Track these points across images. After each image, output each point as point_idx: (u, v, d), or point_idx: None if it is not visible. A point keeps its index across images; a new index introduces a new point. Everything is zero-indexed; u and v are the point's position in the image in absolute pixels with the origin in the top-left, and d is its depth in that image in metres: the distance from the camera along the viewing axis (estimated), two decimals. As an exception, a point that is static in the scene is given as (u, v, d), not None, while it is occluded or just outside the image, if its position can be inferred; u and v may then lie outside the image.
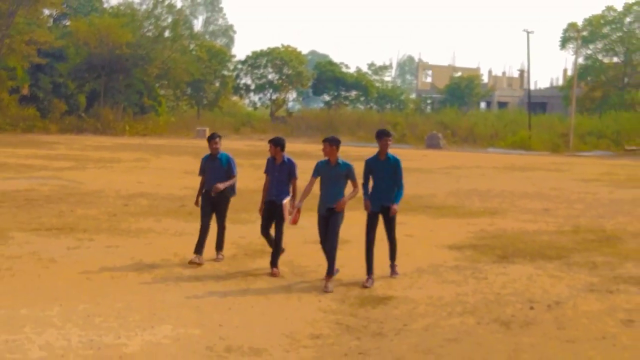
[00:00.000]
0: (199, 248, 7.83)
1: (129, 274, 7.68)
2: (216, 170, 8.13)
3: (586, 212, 14.07)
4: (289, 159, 7.66)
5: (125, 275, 7.62)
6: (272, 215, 7.65)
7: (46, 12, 44.49)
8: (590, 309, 6.81)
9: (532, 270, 8.33)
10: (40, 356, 4.97)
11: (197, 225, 10.08)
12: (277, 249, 7.65)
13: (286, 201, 7.50)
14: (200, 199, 8.29)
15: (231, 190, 8.30)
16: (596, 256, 9.37)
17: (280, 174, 7.57)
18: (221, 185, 7.94)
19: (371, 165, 7.49)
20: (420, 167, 24.62)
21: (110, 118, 41.88)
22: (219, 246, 8.21)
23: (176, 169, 20.86)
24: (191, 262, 7.68)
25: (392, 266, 7.56)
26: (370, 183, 7.64)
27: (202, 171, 8.32)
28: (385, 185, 7.36)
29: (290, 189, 7.71)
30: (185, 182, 16.53)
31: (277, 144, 7.63)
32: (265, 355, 5.21)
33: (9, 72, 40.66)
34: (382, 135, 7.38)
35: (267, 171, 7.73)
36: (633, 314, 6.53)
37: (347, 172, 7.14)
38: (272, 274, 7.44)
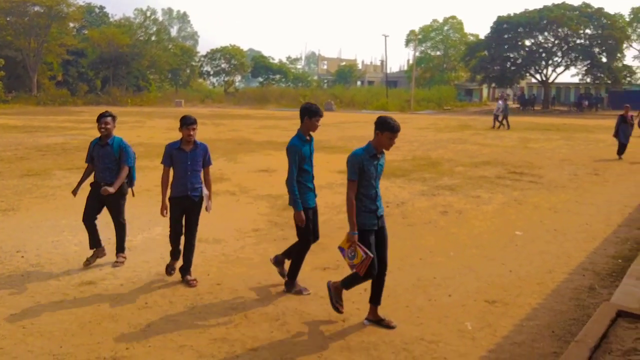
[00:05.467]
0: (93, 242, 6.45)
1: (138, 195, 9.58)
2: (106, 158, 6.27)
3: (420, 147, 19.22)
4: (201, 143, 5.90)
5: (129, 196, 10.02)
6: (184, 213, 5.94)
7: (71, 24, 63.97)
8: (422, 205, 9.67)
9: (387, 183, 11.59)
10: (75, 250, 6.91)
11: None
12: (189, 257, 5.91)
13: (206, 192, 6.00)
14: (78, 189, 6.50)
15: (128, 182, 6.54)
16: (425, 174, 13.19)
17: (193, 162, 5.79)
18: (111, 189, 6.15)
19: None
20: (321, 122, 30.12)
21: (117, 95, 57.01)
22: (120, 247, 6.54)
23: (162, 127, 25.97)
24: (87, 262, 6.35)
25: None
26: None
27: (90, 158, 6.44)
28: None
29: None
30: (169, 135, 20.74)
31: (193, 122, 5.71)
32: (223, 242, 7.29)
33: (48, 65, 60.01)
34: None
35: (169, 161, 5.86)
36: (447, 208, 9.48)
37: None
38: (190, 285, 5.72)
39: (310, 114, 5.46)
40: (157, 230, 7.99)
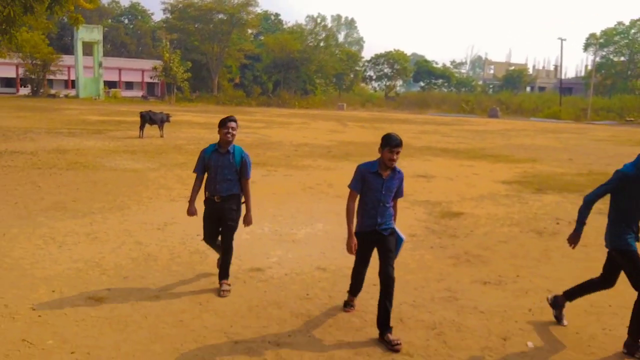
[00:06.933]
0: (223, 273, 5.53)
1: (298, 192, 10.93)
2: (225, 168, 5.41)
3: (597, 161, 17.40)
4: (400, 170, 4.76)
5: (296, 193, 10.85)
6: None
7: (250, 31, 70.58)
8: (598, 225, 8.62)
9: (559, 198, 10.86)
10: (246, 238, 7.34)
11: (341, 164, 15.06)
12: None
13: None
14: (192, 206, 5.57)
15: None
16: None
17: (387, 192, 4.68)
18: (250, 217, 5.60)
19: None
20: (484, 129, 31.33)
21: (286, 97, 61.59)
22: (225, 274, 5.55)
23: (326, 129, 27.72)
24: (223, 292, 5.40)
25: None
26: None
27: (203, 168, 5.52)
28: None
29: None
30: (331, 136, 23.01)
31: (399, 144, 4.57)
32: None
33: (227, 68, 66.99)
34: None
35: (359, 186, 4.70)
36: None
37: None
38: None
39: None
40: (319, 226, 8.37)
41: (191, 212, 5.60)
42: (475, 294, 5.74)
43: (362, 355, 4.35)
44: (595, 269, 6.63)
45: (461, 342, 4.64)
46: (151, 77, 63.91)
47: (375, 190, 4.60)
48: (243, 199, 5.61)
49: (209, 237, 5.66)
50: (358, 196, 4.70)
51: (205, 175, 5.55)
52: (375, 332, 4.67)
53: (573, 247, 4.87)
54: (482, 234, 8.19)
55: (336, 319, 4.98)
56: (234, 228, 5.53)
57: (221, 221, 5.46)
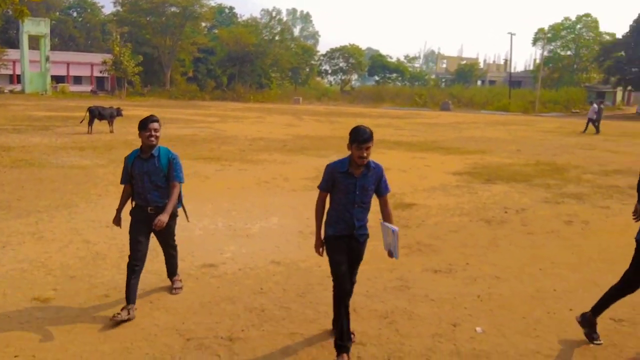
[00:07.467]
0: (131, 294, 4.76)
1: (253, 186, 10.83)
2: (153, 174, 4.84)
3: (544, 152, 18.01)
4: (377, 164, 4.24)
5: (250, 187, 10.75)
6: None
7: (203, 24, 68.10)
8: (544, 213, 9.15)
9: (507, 188, 11.16)
10: (199, 234, 7.28)
11: (296, 157, 14.80)
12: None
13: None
14: (119, 217, 5.13)
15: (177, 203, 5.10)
16: (549, 180, 12.45)
17: (362, 192, 4.15)
18: (165, 216, 4.79)
19: None
20: (436, 122, 31.87)
21: (241, 91, 59.87)
22: (173, 271, 5.40)
23: (281, 123, 27.43)
24: (114, 318, 4.59)
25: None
26: None
27: (127, 178, 4.94)
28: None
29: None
30: (287, 130, 22.91)
31: (367, 139, 4.00)
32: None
33: (180, 62, 64.53)
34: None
35: (329, 186, 4.21)
36: (572, 217, 8.89)
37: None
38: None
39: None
40: (274, 220, 8.34)
41: (116, 221, 5.12)
42: (427, 282, 5.84)
43: (315, 346, 4.38)
44: (541, 257, 6.88)
45: (412, 329, 4.72)
46: (101, 72, 62.09)
47: (348, 192, 4.09)
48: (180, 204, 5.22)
49: (138, 259, 4.80)
50: (328, 196, 4.23)
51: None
52: (328, 323, 4.70)
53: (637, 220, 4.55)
54: (434, 224, 8.34)
55: (290, 312, 4.99)
56: (173, 233, 5.21)
57: (157, 233, 4.96)
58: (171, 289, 5.33)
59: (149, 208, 4.85)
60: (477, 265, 6.46)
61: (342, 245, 4.19)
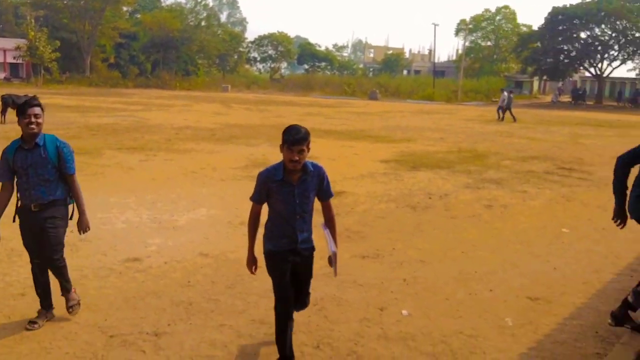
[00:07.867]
0: (46, 300, 4.47)
1: (180, 177, 10.56)
2: (39, 166, 4.20)
3: (466, 139, 18.73)
4: (316, 165, 3.75)
5: (176, 177, 10.47)
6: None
7: (125, 8, 65.20)
8: (466, 198, 9.52)
9: (431, 175, 11.51)
10: (122, 227, 7.09)
11: (225, 146, 14.61)
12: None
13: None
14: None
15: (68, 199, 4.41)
16: (471, 166, 12.96)
17: (302, 200, 3.69)
18: (85, 217, 4.39)
19: None
20: (364, 111, 32.25)
21: (167, 78, 57.75)
22: (65, 288, 4.53)
23: (209, 111, 26.78)
24: (30, 324, 4.29)
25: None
26: None
27: (7, 173, 4.26)
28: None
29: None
30: (215, 119, 22.19)
31: (301, 139, 3.51)
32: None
33: (101, 48, 61.49)
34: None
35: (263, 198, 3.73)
36: (492, 202, 9.29)
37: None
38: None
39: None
40: (202, 211, 8.20)
41: None
42: (355, 268, 5.94)
43: (244, 337, 4.35)
44: (463, 240, 7.16)
45: (341, 315, 4.79)
46: (15, 58, 58.29)
47: (287, 202, 3.60)
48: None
49: (35, 255, 4.39)
50: (261, 208, 3.74)
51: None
52: (258, 313, 4.68)
53: (621, 227, 4.54)
54: (362, 211, 8.48)
55: (218, 304, 4.92)
56: (60, 241, 4.34)
57: (43, 234, 4.26)
58: (67, 308, 4.52)
59: (32, 205, 4.23)
60: (403, 250, 6.63)
61: (285, 257, 3.73)
